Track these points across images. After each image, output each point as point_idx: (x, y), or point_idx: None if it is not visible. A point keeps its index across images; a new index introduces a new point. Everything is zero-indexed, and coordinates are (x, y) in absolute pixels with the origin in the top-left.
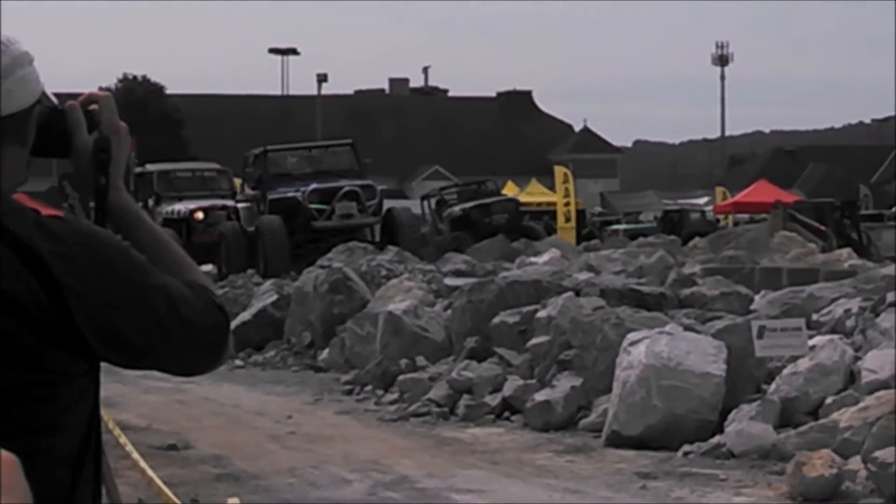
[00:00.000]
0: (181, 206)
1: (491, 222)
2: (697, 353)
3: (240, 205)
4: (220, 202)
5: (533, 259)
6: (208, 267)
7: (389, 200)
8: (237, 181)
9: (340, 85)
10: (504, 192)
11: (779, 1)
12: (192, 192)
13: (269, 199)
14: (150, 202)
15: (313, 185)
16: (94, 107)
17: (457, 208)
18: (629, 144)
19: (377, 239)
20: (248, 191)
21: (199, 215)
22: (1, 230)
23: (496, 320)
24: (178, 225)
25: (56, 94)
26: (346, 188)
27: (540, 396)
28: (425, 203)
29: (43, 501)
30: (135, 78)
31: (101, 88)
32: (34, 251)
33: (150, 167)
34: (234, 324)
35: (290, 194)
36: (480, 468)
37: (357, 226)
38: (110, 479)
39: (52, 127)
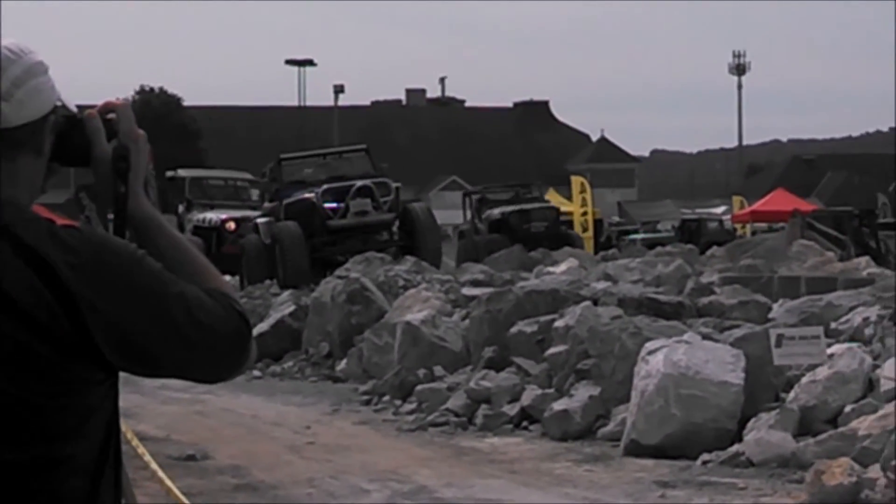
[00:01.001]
0: (213, 215)
1: (529, 229)
2: (716, 361)
3: (259, 220)
4: (252, 213)
5: (550, 269)
6: (229, 278)
7: None
8: None
9: (357, 96)
10: (547, 198)
11: (796, 9)
12: (223, 201)
13: (285, 205)
14: (181, 208)
15: (325, 186)
16: (111, 115)
17: (496, 211)
18: (646, 154)
19: (395, 238)
20: (267, 204)
21: (231, 225)
22: (14, 240)
23: (514, 330)
24: (208, 233)
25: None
26: (359, 185)
27: (558, 406)
28: (467, 200)
29: None
30: (151, 90)
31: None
32: (47, 262)
33: (182, 172)
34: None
35: (304, 196)
36: (499, 477)
37: (373, 223)
38: (129, 489)
39: (70, 136)
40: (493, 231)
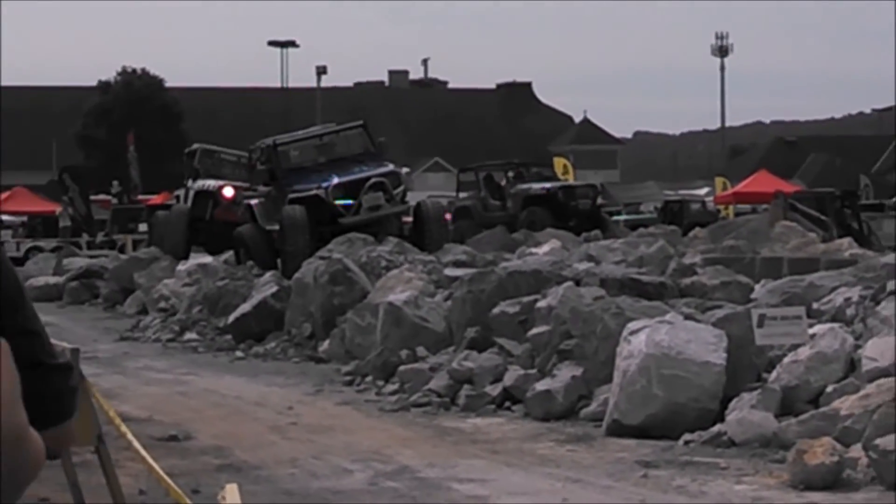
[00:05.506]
0: (213, 182)
1: (577, 206)
2: (698, 341)
3: (253, 202)
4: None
5: (533, 249)
6: (205, 258)
7: None
8: None
9: (340, 77)
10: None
11: None
12: (230, 176)
13: (290, 199)
14: (189, 182)
15: (336, 180)
16: None
17: (536, 186)
18: (629, 135)
19: (405, 233)
20: (262, 188)
21: (228, 192)
22: None
23: (496, 310)
24: (205, 198)
25: (56, 88)
26: (373, 180)
27: (540, 386)
28: (462, 176)
29: None
30: (134, 71)
31: (100, 82)
32: None
33: (195, 146)
34: (234, 315)
35: (312, 192)
36: (481, 458)
37: (385, 216)
38: (111, 469)
39: None
40: (527, 206)
